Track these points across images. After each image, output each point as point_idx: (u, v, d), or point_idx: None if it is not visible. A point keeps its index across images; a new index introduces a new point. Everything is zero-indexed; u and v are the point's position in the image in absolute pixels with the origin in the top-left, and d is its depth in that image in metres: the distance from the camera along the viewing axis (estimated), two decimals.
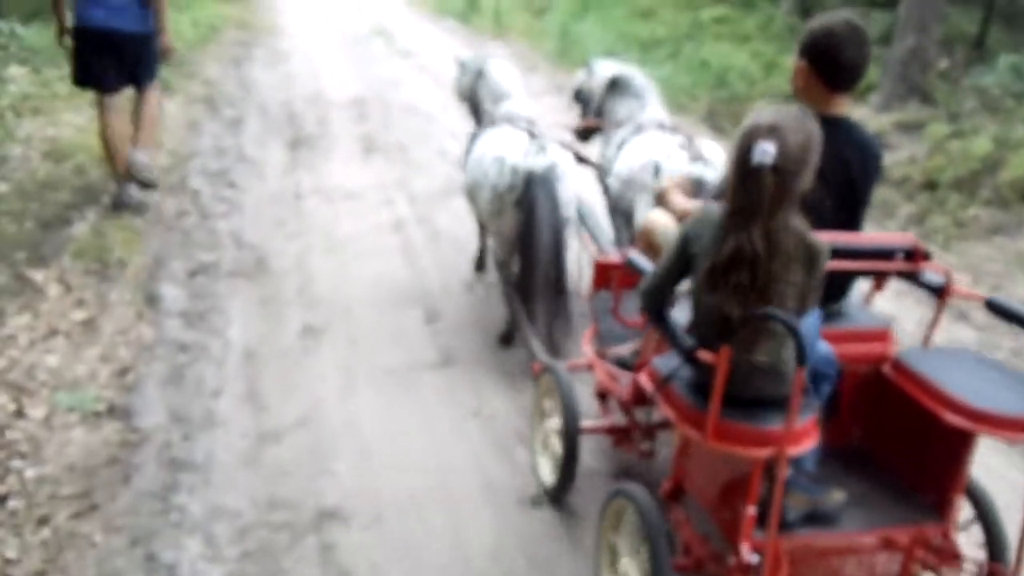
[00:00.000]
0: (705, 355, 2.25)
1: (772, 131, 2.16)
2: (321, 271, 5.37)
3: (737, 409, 2.24)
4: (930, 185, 7.79)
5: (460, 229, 5.93)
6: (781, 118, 2.20)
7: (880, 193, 6.70)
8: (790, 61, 3.13)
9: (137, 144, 5.76)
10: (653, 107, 4.66)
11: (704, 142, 4.16)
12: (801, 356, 2.08)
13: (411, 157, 7.77)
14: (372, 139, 8.38)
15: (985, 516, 2.71)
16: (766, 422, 2.23)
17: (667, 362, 2.49)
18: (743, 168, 2.18)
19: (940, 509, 2.55)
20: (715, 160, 3.93)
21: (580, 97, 5.22)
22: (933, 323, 2.79)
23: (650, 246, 3.12)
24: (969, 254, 6.27)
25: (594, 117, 4.97)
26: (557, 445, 3.29)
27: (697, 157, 3.95)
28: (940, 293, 2.73)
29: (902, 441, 2.69)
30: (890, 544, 2.51)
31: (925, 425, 2.48)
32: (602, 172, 4.70)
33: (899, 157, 8.46)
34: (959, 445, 2.47)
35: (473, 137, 4.71)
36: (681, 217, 2.94)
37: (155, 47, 5.82)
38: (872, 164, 2.70)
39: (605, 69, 4.98)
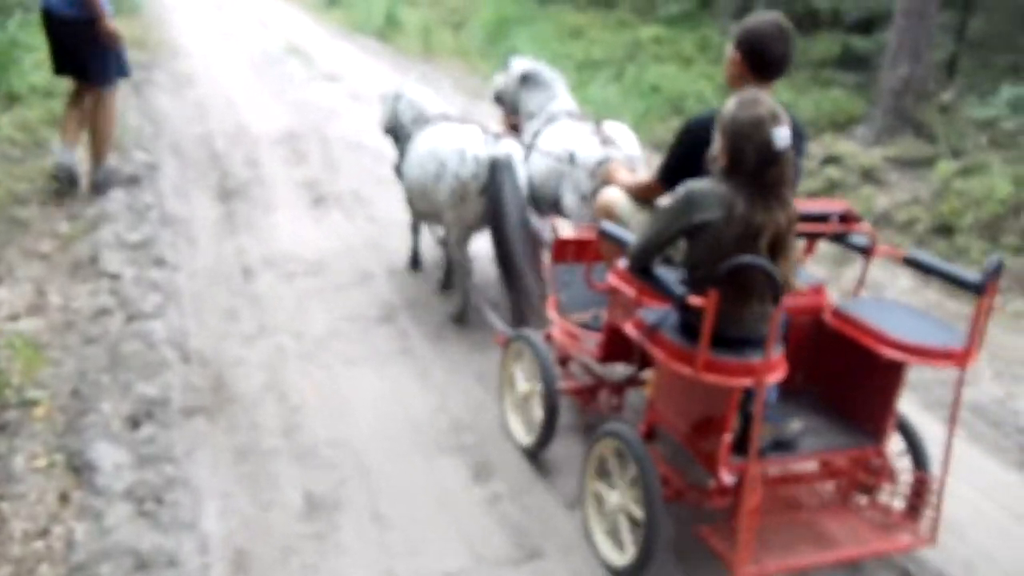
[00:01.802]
0: (696, 300, 2.49)
1: (778, 117, 2.45)
2: (304, 394, 3.92)
3: (720, 347, 2.52)
4: (945, 230, 6.86)
5: (474, 318, 4.58)
6: (773, 104, 2.48)
7: (884, 236, 6.15)
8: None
9: (97, 156, 5.85)
10: (562, 97, 4.92)
11: (609, 125, 4.47)
12: (777, 298, 2.46)
13: (375, 211, 6.32)
14: (318, 186, 6.88)
15: (909, 436, 3.07)
16: (747, 356, 2.54)
17: (652, 313, 2.78)
18: (765, 153, 2.44)
19: (877, 434, 2.96)
20: (621, 141, 4.36)
21: (500, 98, 5.28)
22: (861, 277, 3.21)
23: (610, 218, 3.35)
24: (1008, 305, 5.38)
25: (512, 114, 5.10)
26: (534, 408, 3.50)
27: (606, 141, 4.32)
28: (866, 252, 3.10)
29: (841, 380, 3.05)
30: (837, 467, 2.99)
31: (862, 363, 2.89)
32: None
33: (900, 197, 7.52)
34: (893, 377, 2.88)
35: (407, 139, 4.82)
36: (634, 190, 3.38)
37: (98, 36, 5.53)
38: (802, 144, 3.06)
39: (518, 66, 5.09)
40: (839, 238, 3.15)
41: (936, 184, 7.38)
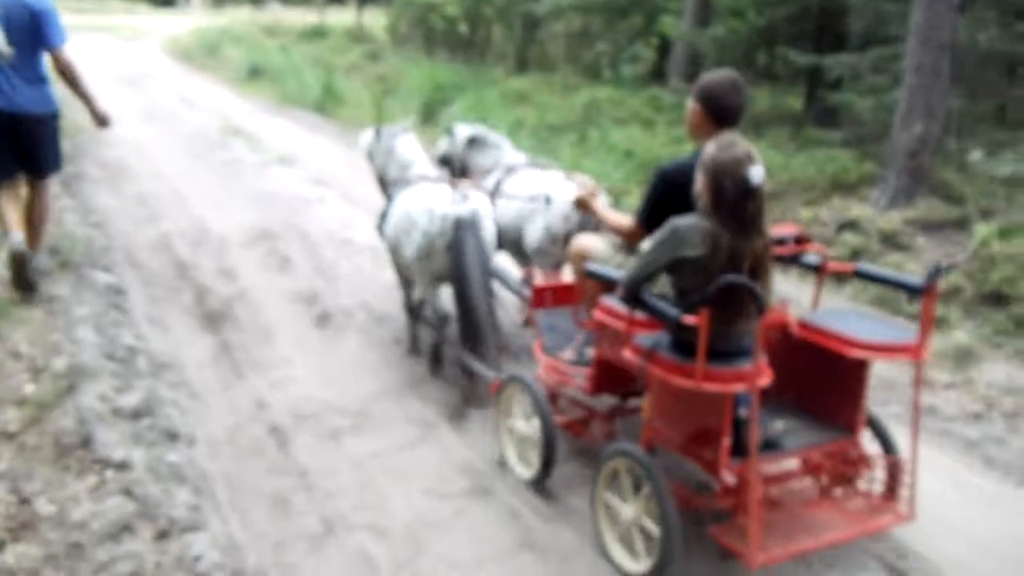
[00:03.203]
0: (690, 319, 2.74)
1: (753, 157, 2.74)
2: None
3: (713, 359, 2.76)
4: (997, 299, 6.23)
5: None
6: (748, 147, 2.77)
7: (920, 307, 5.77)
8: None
9: (34, 246, 5.37)
10: (511, 153, 5.31)
11: (579, 175, 4.39)
12: (760, 313, 2.70)
13: (399, 331, 5.23)
14: (318, 301, 5.75)
15: (876, 426, 3.35)
16: (738, 365, 2.81)
17: (646, 338, 3.02)
18: (742, 190, 2.72)
19: (851, 428, 3.26)
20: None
21: (445, 160, 5.51)
22: (817, 293, 3.51)
23: (583, 262, 3.61)
24: None
25: (459, 175, 5.30)
26: (532, 444, 3.64)
27: (582, 185, 4.13)
28: (818, 269, 3.46)
29: (812, 383, 3.33)
30: (819, 461, 3.26)
31: (830, 366, 3.20)
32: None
33: (927, 261, 6.91)
34: (859, 375, 3.21)
35: (389, 199, 4.92)
36: (615, 230, 3.58)
37: (56, 128, 5.42)
38: None
39: (462, 131, 5.47)
40: (794, 258, 3.48)
41: (973, 248, 6.77)
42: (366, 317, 5.47)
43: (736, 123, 3.23)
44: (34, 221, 5.42)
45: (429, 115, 12.32)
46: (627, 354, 3.08)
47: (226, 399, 4.40)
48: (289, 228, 7.24)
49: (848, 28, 10.44)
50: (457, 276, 4.31)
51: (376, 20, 23.60)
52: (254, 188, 8.61)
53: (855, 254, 7.12)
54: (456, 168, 5.41)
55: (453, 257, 4.30)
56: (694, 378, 2.75)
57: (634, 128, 11.21)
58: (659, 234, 2.90)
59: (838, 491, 3.30)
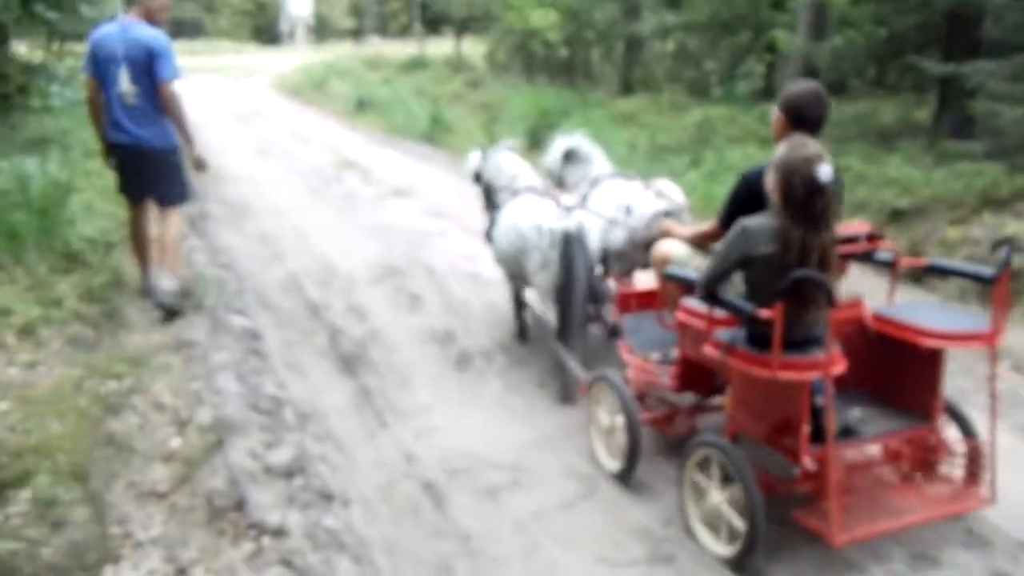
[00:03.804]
0: (765, 312, 2.89)
1: (822, 156, 2.87)
2: None
3: (788, 349, 2.90)
4: None
5: None
6: (818, 146, 2.92)
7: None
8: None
9: (162, 266, 5.59)
10: (602, 163, 5.43)
11: (660, 181, 4.96)
12: (830, 303, 2.86)
13: (543, 374, 4.92)
14: (453, 341, 5.49)
15: (956, 414, 3.41)
16: (811, 353, 2.97)
17: (724, 334, 3.18)
18: (811, 187, 2.85)
19: (928, 415, 3.34)
20: (671, 194, 4.85)
21: (549, 174, 5.62)
22: (892, 287, 3.60)
23: (664, 266, 3.82)
24: None
25: (559, 187, 5.45)
26: (619, 439, 3.77)
27: (659, 194, 4.79)
28: (892, 266, 3.52)
29: (889, 374, 3.43)
30: (898, 448, 3.36)
31: (906, 356, 3.29)
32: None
33: None
34: (934, 363, 3.29)
35: (495, 210, 5.23)
36: (696, 237, 3.83)
37: (178, 162, 5.62)
38: (841, 184, 3.50)
39: (560, 144, 5.60)
40: (867, 256, 3.54)
41: None
42: (506, 360, 5.18)
43: (817, 131, 3.35)
44: (161, 246, 5.65)
45: (536, 140, 12.09)
46: (708, 350, 3.26)
47: (373, 452, 4.15)
48: (414, 263, 7.04)
49: (981, 35, 9.72)
50: (565, 285, 4.58)
51: (474, 49, 23.65)
52: (373, 222, 8.48)
53: (1015, 275, 6.51)
54: (554, 181, 5.57)
55: (564, 268, 4.58)
56: (771, 368, 2.92)
57: (751, 146, 10.73)
58: (729, 234, 3.10)
59: (919, 477, 3.40)
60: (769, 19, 13.75)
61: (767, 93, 13.60)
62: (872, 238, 3.49)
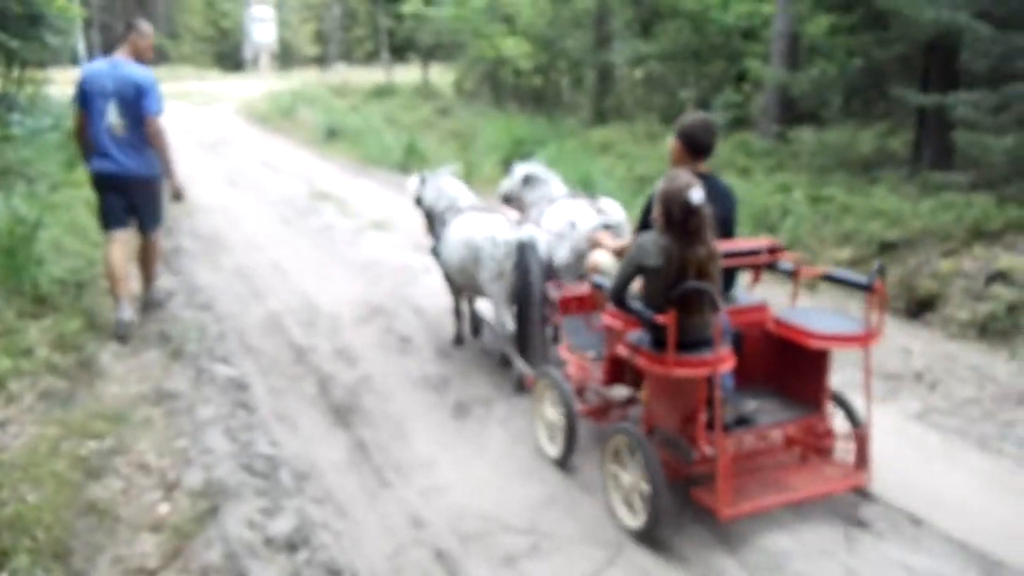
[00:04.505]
0: (660, 318, 3.34)
1: (692, 184, 3.32)
2: None
3: (682, 350, 3.35)
4: None
5: None
6: (689, 176, 3.38)
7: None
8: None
9: (148, 284, 6.30)
10: (557, 186, 5.89)
11: (603, 200, 5.52)
12: (715, 307, 3.31)
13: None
14: (449, 387, 5.21)
15: (842, 403, 3.88)
16: (702, 353, 3.38)
17: (634, 335, 3.62)
18: (685, 209, 3.30)
19: (817, 405, 3.79)
20: (611, 211, 5.34)
21: (508, 198, 5.99)
22: (794, 295, 4.10)
23: (598, 273, 4.31)
24: None
25: (520, 210, 5.78)
26: (559, 428, 4.20)
27: (600, 211, 5.31)
28: (793, 274, 3.96)
29: (786, 370, 3.88)
30: (791, 435, 3.87)
31: (798, 355, 3.73)
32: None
33: None
34: (822, 360, 3.75)
35: (441, 225, 5.61)
36: (618, 251, 4.30)
37: (159, 190, 6.04)
38: (732, 200, 3.98)
39: (520, 170, 5.98)
40: (771, 266, 3.97)
41: None
42: (507, 408, 4.90)
43: (707, 156, 3.89)
44: (146, 262, 6.25)
45: (509, 169, 11.89)
46: (620, 350, 3.70)
47: (377, 515, 3.85)
48: (400, 302, 6.76)
49: (958, 67, 9.73)
50: (523, 291, 4.89)
51: (442, 76, 23.48)
52: (353, 257, 8.18)
53: (1012, 309, 6.43)
54: (515, 204, 5.91)
55: (519, 276, 4.90)
56: (667, 366, 3.37)
57: (730, 175, 10.60)
58: (630, 248, 3.58)
59: (815, 460, 3.85)
60: (741, 49, 13.76)
61: (738, 122, 13.55)
62: (773, 251, 3.93)
